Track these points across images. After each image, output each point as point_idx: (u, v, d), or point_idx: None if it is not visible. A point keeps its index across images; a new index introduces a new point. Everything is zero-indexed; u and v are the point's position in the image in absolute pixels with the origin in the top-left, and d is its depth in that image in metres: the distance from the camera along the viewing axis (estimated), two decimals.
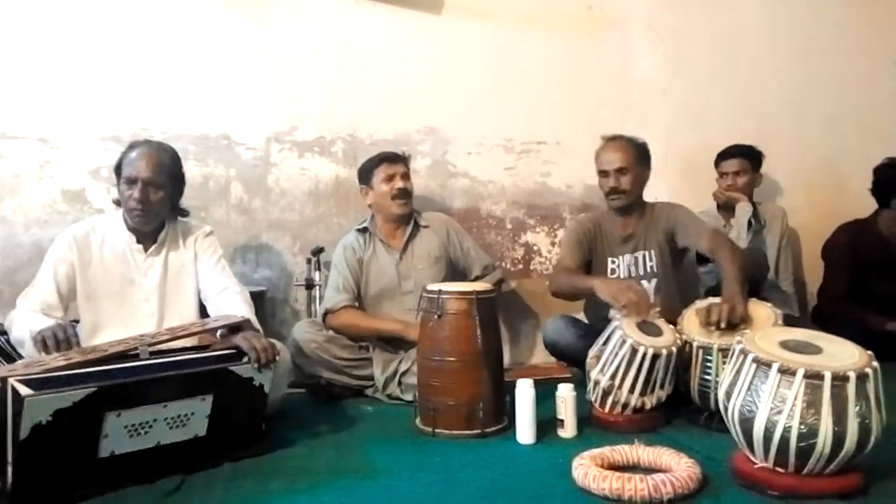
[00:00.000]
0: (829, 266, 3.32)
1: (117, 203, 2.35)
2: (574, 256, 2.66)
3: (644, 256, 2.67)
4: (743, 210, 3.11)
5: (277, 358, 2.00)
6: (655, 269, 2.65)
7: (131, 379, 1.73)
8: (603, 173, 2.66)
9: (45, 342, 1.90)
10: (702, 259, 2.67)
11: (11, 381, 1.56)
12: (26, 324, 2.06)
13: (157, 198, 2.25)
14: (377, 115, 3.22)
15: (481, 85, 3.33)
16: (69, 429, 1.60)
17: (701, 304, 2.37)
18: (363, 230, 2.88)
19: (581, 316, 2.83)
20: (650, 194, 2.77)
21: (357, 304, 2.79)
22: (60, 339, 1.92)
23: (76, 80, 2.90)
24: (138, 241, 2.31)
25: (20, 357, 2.07)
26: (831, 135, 3.63)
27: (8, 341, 2.20)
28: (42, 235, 2.83)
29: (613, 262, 2.69)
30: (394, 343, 2.72)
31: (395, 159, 2.86)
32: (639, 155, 2.66)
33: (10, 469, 1.56)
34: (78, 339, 1.96)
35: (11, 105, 2.85)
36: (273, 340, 2.07)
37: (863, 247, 3.22)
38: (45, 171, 2.89)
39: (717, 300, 2.27)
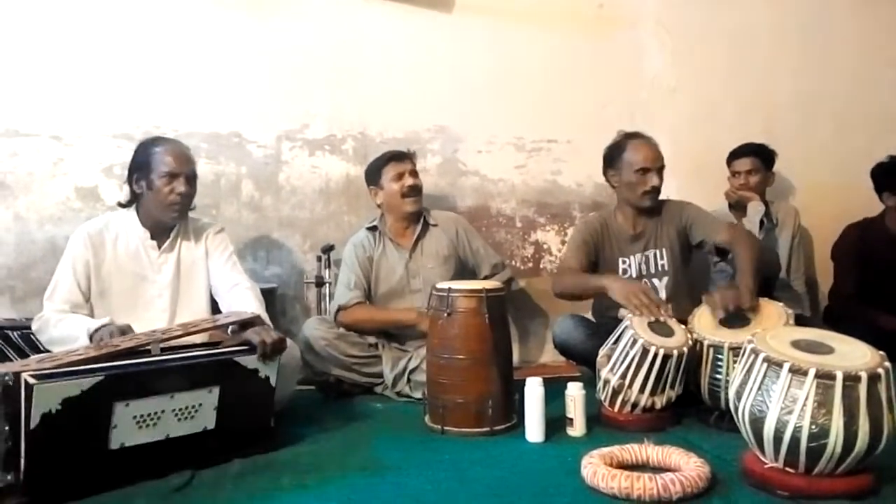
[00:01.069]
0: (839, 266, 3.30)
1: (124, 204, 2.36)
2: (579, 257, 2.64)
3: (655, 255, 2.66)
4: (755, 209, 3.08)
5: (286, 344, 2.03)
6: (666, 268, 2.64)
7: (138, 368, 1.75)
8: (643, 170, 2.60)
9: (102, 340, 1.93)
10: (721, 252, 2.65)
11: (24, 374, 1.58)
12: (76, 324, 2.08)
13: (194, 191, 2.34)
14: (387, 113, 3.23)
15: (491, 83, 3.32)
16: (78, 418, 1.62)
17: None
18: (373, 228, 2.88)
19: (590, 315, 2.82)
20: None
21: (368, 301, 2.80)
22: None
23: (89, 78, 2.93)
24: (153, 238, 2.32)
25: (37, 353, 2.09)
26: (841, 133, 3.60)
27: (21, 337, 2.23)
28: (56, 233, 2.86)
29: (624, 261, 2.68)
30: (403, 338, 2.73)
31: (402, 157, 2.86)
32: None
33: (23, 462, 1.57)
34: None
35: (25, 103, 2.87)
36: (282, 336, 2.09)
37: (872, 245, 3.19)
38: (59, 169, 2.91)
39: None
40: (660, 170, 2.61)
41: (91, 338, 1.97)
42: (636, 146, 2.64)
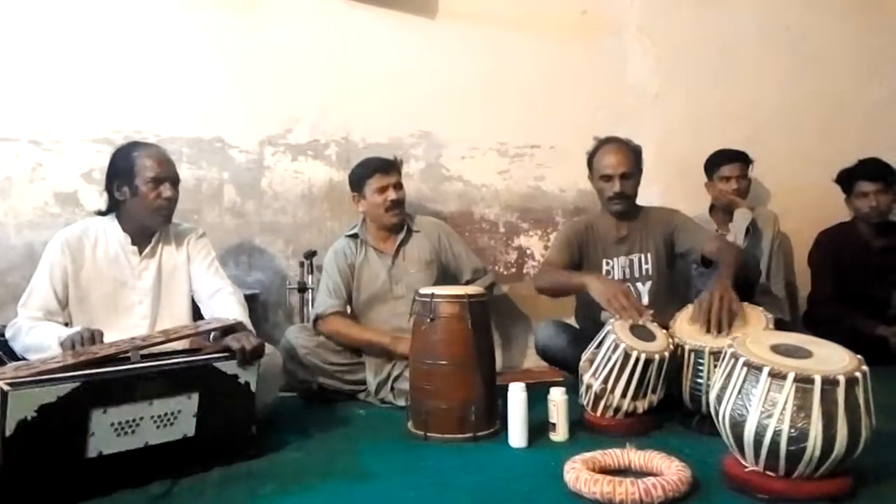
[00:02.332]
0: (815, 271, 3.33)
1: (104, 212, 2.34)
2: (562, 256, 2.66)
3: (640, 259, 2.67)
4: (743, 216, 3.08)
5: (265, 350, 2.03)
6: (650, 272, 2.66)
7: (115, 374, 1.73)
8: (606, 178, 2.63)
9: (73, 346, 1.91)
10: (705, 262, 2.67)
11: (0, 383, 1.55)
12: (47, 331, 2.06)
13: (178, 195, 2.33)
14: (371, 118, 3.22)
15: (475, 89, 3.33)
16: (55, 426, 1.60)
17: (691, 307, 2.38)
18: (353, 236, 2.86)
19: (572, 321, 2.83)
20: (643, 198, 2.78)
21: (348, 308, 2.78)
22: (96, 342, 1.94)
23: (69, 82, 2.90)
24: (133, 243, 2.30)
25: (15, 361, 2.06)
26: (823, 140, 3.64)
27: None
28: (34, 238, 2.82)
29: (608, 263, 2.69)
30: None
31: (388, 169, 2.78)
32: (637, 158, 2.68)
33: None
34: (104, 342, 1.96)
35: (4, 107, 2.83)
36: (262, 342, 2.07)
37: (846, 249, 3.23)
38: (38, 174, 2.87)
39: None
40: (623, 176, 2.61)
41: (63, 346, 1.93)
42: (603, 152, 2.67)
